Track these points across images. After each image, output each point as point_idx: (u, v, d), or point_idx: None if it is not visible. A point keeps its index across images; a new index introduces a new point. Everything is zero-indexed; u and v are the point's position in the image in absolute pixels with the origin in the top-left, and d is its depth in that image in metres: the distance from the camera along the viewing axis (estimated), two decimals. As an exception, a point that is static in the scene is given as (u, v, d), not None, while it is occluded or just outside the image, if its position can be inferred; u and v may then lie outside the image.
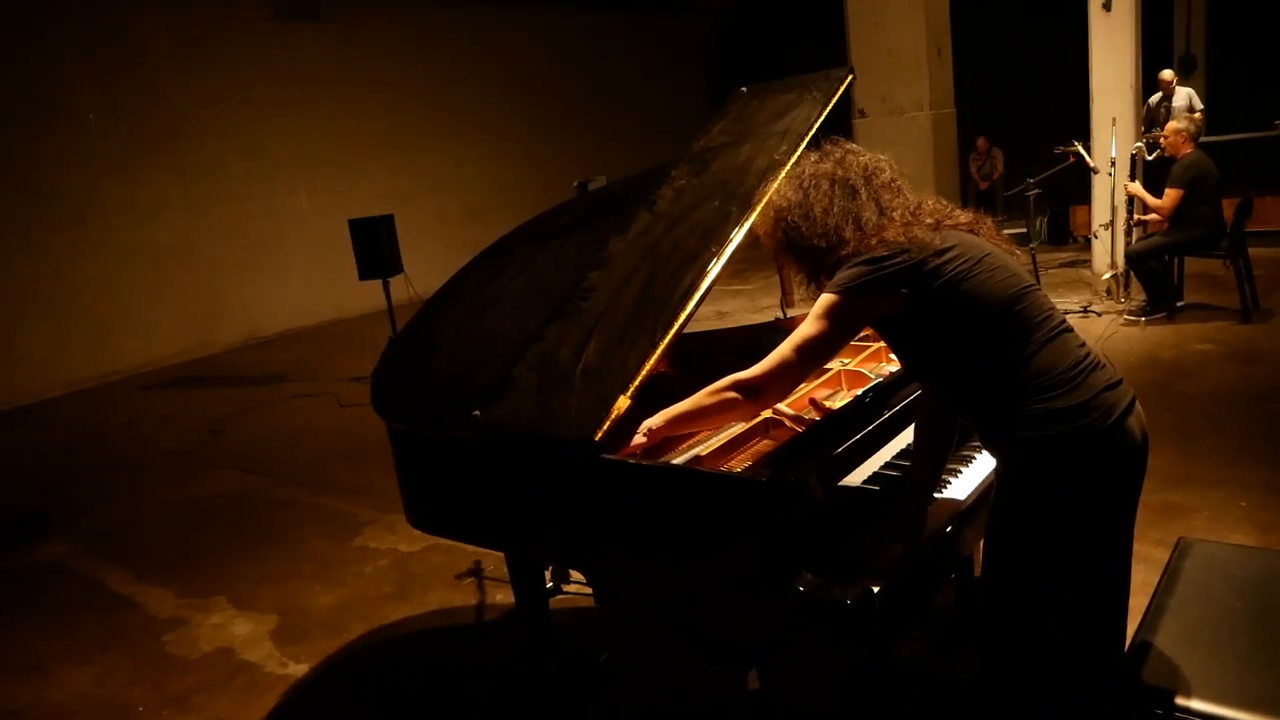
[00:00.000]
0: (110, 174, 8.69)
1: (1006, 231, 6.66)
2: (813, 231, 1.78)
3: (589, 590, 3.27)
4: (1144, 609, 1.98)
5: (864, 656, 1.61)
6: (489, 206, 11.52)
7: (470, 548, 3.86)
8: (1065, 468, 1.62)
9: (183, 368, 8.80)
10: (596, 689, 2.77)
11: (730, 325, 3.80)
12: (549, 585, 3.06)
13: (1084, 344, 1.74)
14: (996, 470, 1.74)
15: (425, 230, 10.44)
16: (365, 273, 7.17)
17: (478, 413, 2.05)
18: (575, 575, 3.36)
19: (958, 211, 1.83)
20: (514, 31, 12.43)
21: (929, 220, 1.75)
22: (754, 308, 7.87)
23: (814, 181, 1.81)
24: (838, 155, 1.85)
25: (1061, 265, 8.39)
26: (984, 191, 11.43)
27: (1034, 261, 7.06)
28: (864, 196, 1.78)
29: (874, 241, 1.72)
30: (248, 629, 3.45)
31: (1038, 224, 9.50)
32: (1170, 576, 2.11)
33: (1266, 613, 1.92)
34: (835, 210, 1.77)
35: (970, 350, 1.68)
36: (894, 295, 1.68)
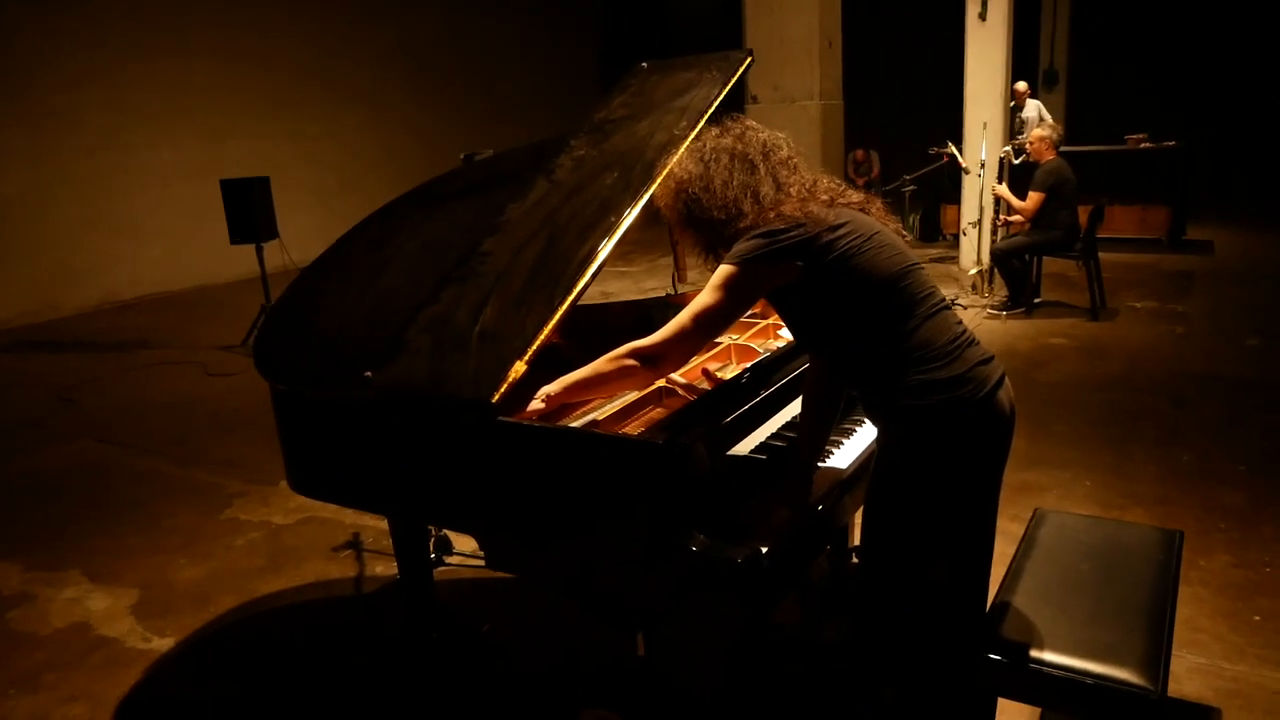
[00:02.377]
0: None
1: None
2: (712, 204, 1.82)
3: (470, 563, 3.27)
4: (1002, 576, 2.13)
5: (748, 618, 1.65)
6: (370, 177, 11.14)
7: (348, 520, 3.79)
8: (943, 435, 1.71)
9: (26, 331, 8.16)
10: (479, 658, 2.76)
11: (620, 301, 3.82)
12: (430, 557, 3.02)
13: (961, 321, 1.84)
14: (878, 440, 1.83)
15: (302, 197, 10.01)
16: (237, 236, 6.85)
17: (369, 374, 2.00)
18: (457, 547, 3.33)
19: (850, 191, 1.91)
20: (399, 1, 12.05)
21: (824, 197, 1.83)
22: (638, 290, 7.92)
23: (715, 155, 1.86)
24: (738, 131, 1.90)
25: (931, 261, 8.81)
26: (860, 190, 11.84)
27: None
28: (762, 172, 1.84)
29: (771, 215, 1.77)
30: (105, 604, 3.27)
31: (911, 221, 9.94)
32: (1027, 543, 2.27)
33: (1110, 574, 2.10)
34: (735, 184, 1.81)
35: (859, 322, 1.76)
36: (789, 268, 1.74)
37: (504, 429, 1.79)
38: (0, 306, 8.31)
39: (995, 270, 6.85)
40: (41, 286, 8.64)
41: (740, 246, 1.76)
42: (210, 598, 3.27)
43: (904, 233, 1.93)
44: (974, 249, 7.26)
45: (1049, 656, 1.82)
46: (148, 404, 5.76)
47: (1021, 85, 9.31)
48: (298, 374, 2.24)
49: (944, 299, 1.84)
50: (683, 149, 2.16)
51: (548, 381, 1.88)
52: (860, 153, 12.00)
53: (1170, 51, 11.85)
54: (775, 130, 1.97)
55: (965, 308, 6.85)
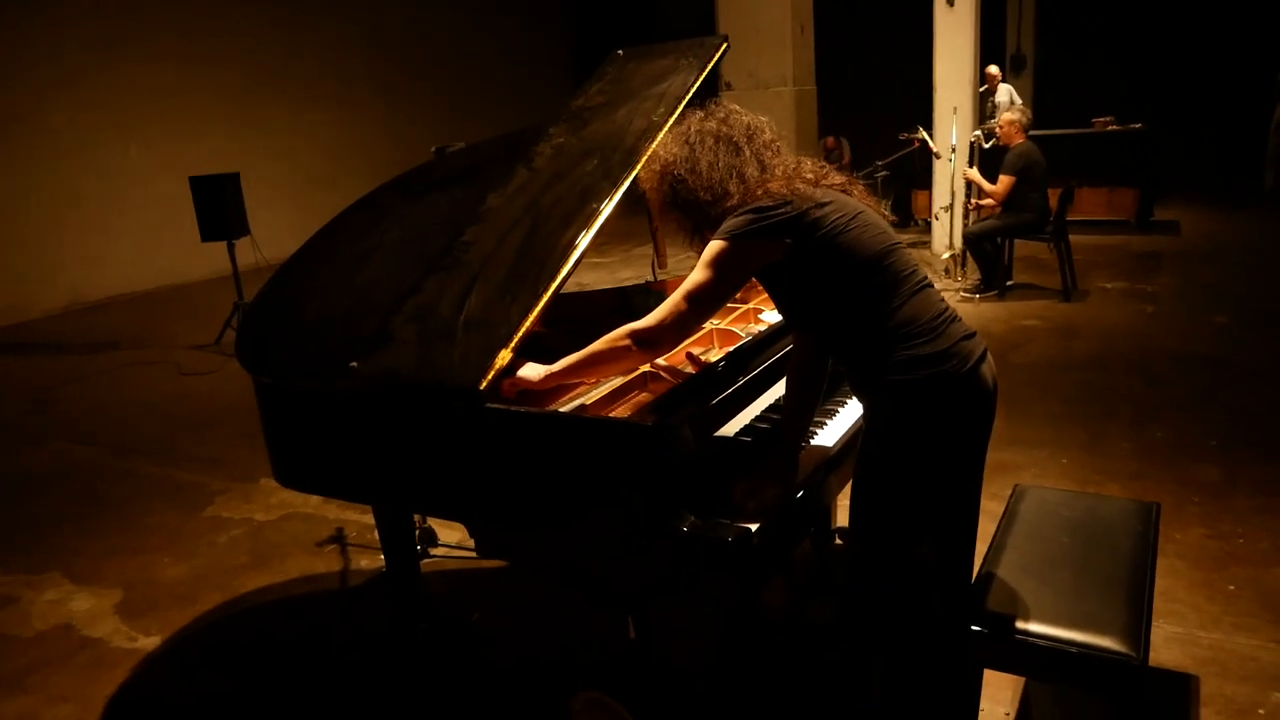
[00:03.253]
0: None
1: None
2: (698, 184, 1.84)
3: (457, 554, 3.27)
4: (985, 551, 2.17)
5: (739, 597, 1.67)
6: (341, 171, 11.04)
7: (331, 515, 3.78)
8: (928, 410, 1.74)
9: (-4, 334, 8.06)
10: (469, 648, 2.77)
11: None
12: (416, 549, 3.02)
13: (943, 298, 1.87)
14: (864, 416, 1.86)
15: (272, 194, 9.90)
16: (208, 234, 6.78)
17: (356, 364, 2.00)
18: (443, 539, 3.33)
19: (833, 173, 1.93)
20: (369, -7, 11.95)
21: (809, 176, 1.85)
22: (614, 280, 7.93)
23: (700, 137, 1.87)
24: (721, 114, 1.92)
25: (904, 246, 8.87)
26: (832, 175, 11.91)
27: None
28: (747, 154, 1.86)
29: (759, 193, 1.79)
30: (89, 604, 3.24)
31: (883, 206, 10.00)
32: (1009, 518, 2.31)
33: (1090, 546, 2.14)
34: (720, 165, 1.83)
35: (845, 300, 1.78)
36: (778, 244, 1.76)
37: (492, 416, 1.80)
38: (-34, 308, 8.19)
39: (967, 254, 6.91)
40: (9, 289, 8.50)
41: (729, 223, 1.78)
42: (195, 596, 3.25)
43: (885, 214, 1.95)
44: (946, 233, 7.33)
45: (1033, 627, 1.85)
46: (122, 404, 5.70)
47: (993, 69, 9.40)
48: (281, 366, 2.24)
49: (926, 277, 1.86)
50: (663, 134, 2.18)
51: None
52: (831, 140, 12.06)
53: (1135, 35, 12.02)
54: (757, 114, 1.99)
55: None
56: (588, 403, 1.99)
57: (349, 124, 11.67)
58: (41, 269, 8.76)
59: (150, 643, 2.96)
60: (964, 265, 7.12)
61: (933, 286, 1.86)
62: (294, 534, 3.67)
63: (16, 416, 5.56)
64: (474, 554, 2.33)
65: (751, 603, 2.40)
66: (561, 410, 1.96)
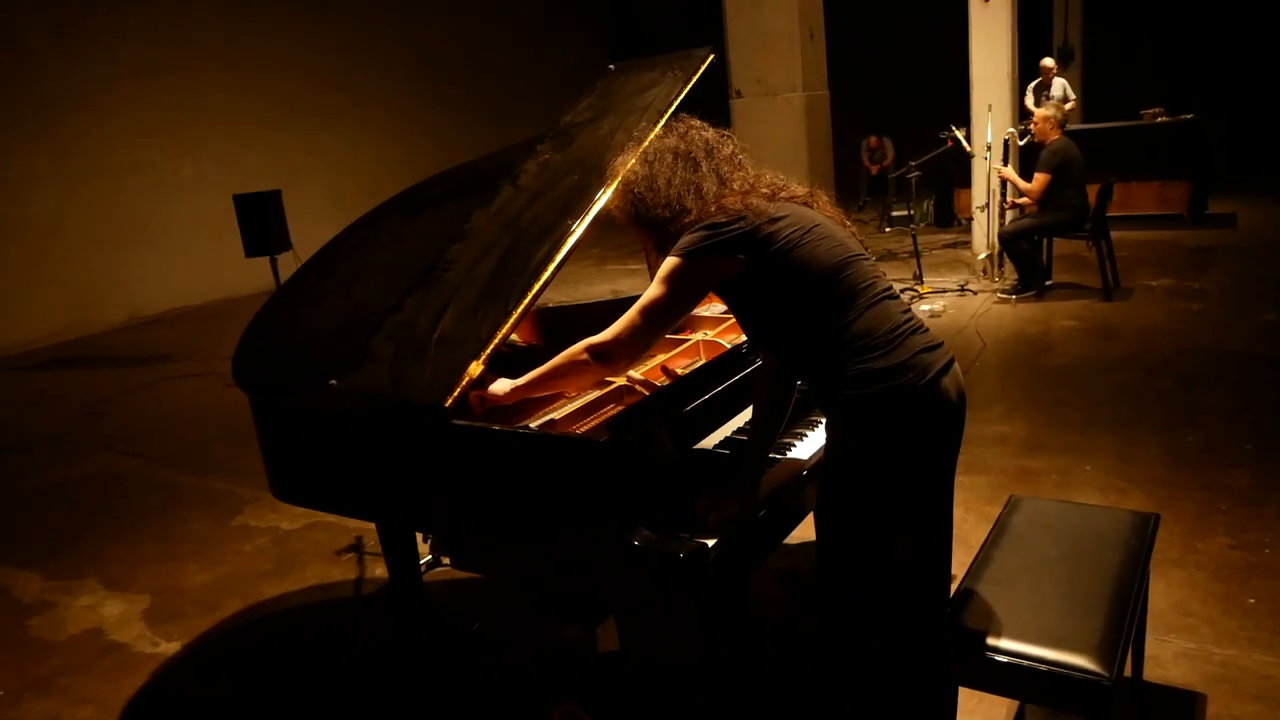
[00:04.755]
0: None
1: (895, 213, 6.93)
2: (656, 202, 1.85)
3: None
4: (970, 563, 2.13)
5: (699, 609, 1.68)
6: (386, 186, 11.17)
7: (352, 524, 3.87)
8: (885, 424, 1.73)
9: (58, 349, 8.41)
10: (469, 657, 2.81)
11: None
12: (428, 559, 3.07)
13: (908, 310, 1.85)
14: (826, 429, 1.85)
15: (318, 208, 10.14)
16: (251, 249, 6.97)
17: (334, 382, 2.06)
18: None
19: (795, 185, 1.93)
20: (414, 10, 12.17)
21: (765, 190, 1.85)
22: (613, 292, 7.93)
23: (658, 155, 1.89)
24: (681, 130, 1.93)
25: (945, 246, 8.74)
26: (875, 176, 11.78)
27: (914, 242, 7.36)
28: (705, 169, 1.86)
29: (713, 209, 1.80)
30: (119, 610, 3.37)
31: (924, 206, 9.87)
32: (998, 530, 2.27)
33: (1078, 559, 2.09)
34: (677, 181, 1.84)
35: (800, 314, 1.77)
36: (732, 260, 1.76)
37: (456, 432, 1.84)
38: (33, 325, 8.56)
39: (1004, 254, 6.77)
40: (71, 305, 8.89)
41: (684, 239, 1.79)
42: (218, 602, 3.36)
43: (848, 224, 1.93)
44: (984, 233, 7.19)
45: (1005, 644, 1.82)
46: (168, 416, 5.91)
47: (1048, 61, 9.19)
48: (270, 383, 2.31)
49: (888, 289, 1.84)
50: (643, 149, 2.20)
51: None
52: (874, 139, 11.94)
53: (1187, 22, 11.62)
54: (756, 129, 2.03)
55: (975, 293, 6.79)
56: (557, 417, 2.01)
57: (394, 139, 11.91)
58: (102, 285, 9.14)
59: (171, 647, 3.07)
60: (1001, 265, 6.98)
61: (895, 298, 1.84)
62: (316, 542, 3.77)
63: (69, 428, 5.81)
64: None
65: (738, 611, 2.39)
66: (530, 425, 1.99)
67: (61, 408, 6.33)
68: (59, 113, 8.76)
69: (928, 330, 1.84)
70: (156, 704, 2.79)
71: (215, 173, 9.87)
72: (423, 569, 2.88)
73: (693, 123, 1.95)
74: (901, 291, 6.78)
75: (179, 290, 9.72)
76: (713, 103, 2.56)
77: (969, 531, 3.18)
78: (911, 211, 7.62)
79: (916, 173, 7.23)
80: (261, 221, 6.88)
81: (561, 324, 2.87)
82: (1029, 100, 8.92)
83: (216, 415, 5.78)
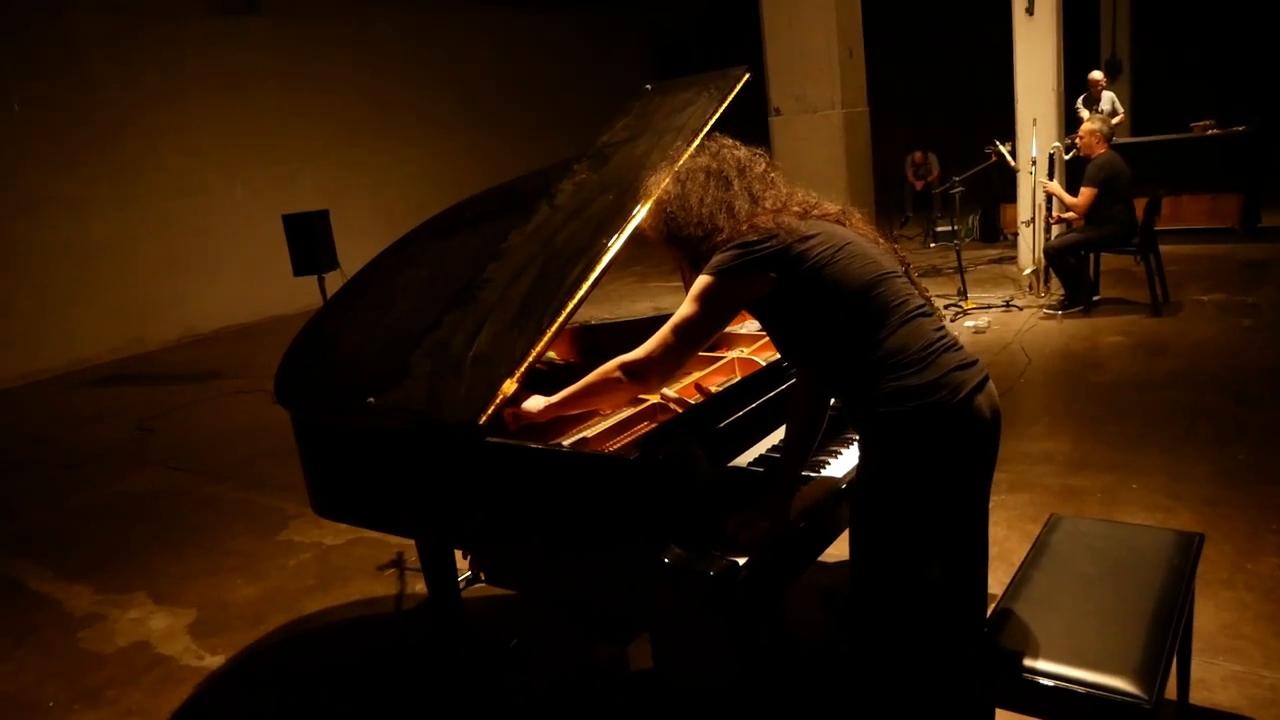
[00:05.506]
0: (38, 168, 8.51)
1: (940, 229, 6.90)
2: (688, 220, 1.87)
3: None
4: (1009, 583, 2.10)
5: (730, 627, 1.68)
6: (432, 205, 11.30)
7: (394, 539, 3.91)
8: (918, 442, 1.72)
9: (114, 366, 8.66)
10: (507, 672, 2.83)
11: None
12: (467, 575, 3.11)
13: (942, 327, 1.84)
14: (859, 448, 1.84)
15: (366, 228, 10.33)
16: (300, 269, 7.11)
17: (372, 400, 2.10)
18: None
19: (827, 204, 1.93)
20: (458, 30, 12.38)
21: (797, 209, 1.85)
22: (655, 308, 7.96)
23: (690, 174, 1.91)
24: (714, 149, 1.95)
25: (990, 262, 8.63)
26: (920, 192, 11.69)
27: (959, 258, 7.28)
28: (737, 187, 1.88)
29: (744, 228, 1.81)
30: (166, 623, 3.45)
31: (970, 221, 9.76)
32: (1038, 550, 2.24)
33: (1117, 579, 2.05)
34: (709, 200, 1.86)
35: (833, 332, 1.77)
36: (764, 278, 1.77)
37: (490, 449, 1.86)
38: (91, 342, 8.83)
39: (1050, 270, 6.67)
40: (128, 323, 9.15)
41: (716, 258, 1.81)
42: (262, 616, 3.42)
43: (882, 242, 1.93)
44: (1030, 248, 7.09)
45: (1042, 665, 1.79)
46: (217, 432, 6.05)
47: (1097, 75, 9.07)
48: (311, 400, 2.36)
49: (921, 306, 1.83)
50: (676, 169, 2.22)
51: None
52: (919, 154, 11.85)
53: (1237, 34, 11.38)
54: (795, 146, 2.04)
55: (1020, 309, 6.69)
56: (589, 435, 2.03)
57: (440, 159, 12.09)
58: (158, 304, 9.40)
59: (216, 661, 3.14)
60: (1047, 281, 6.88)
61: (929, 315, 1.83)
62: (358, 558, 3.83)
63: (122, 444, 5.97)
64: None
65: (774, 630, 2.38)
66: (563, 443, 2.00)
67: (115, 423, 6.51)
68: (118, 138, 9.06)
69: (962, 348, 1.83)
70: (201, 717, 2.85)
71: (266, 193, 10.12)
72: (462, 585, 2.91)
73: (725, 141, 1.97)
74: (945, 307, 6.72)
75: (230, 309, 9.96)
76: (754, 120, 2.57)
77: (1011, 550, 3.13)
78: (956, 227, 7.54)
79: (960, 188, 7.17)
80: (309, 241, 7.02)
81: (600, 341, 2.89)
82: (1083, 113, 8.80)
83: (264, 431, 5.90)
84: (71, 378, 8.33)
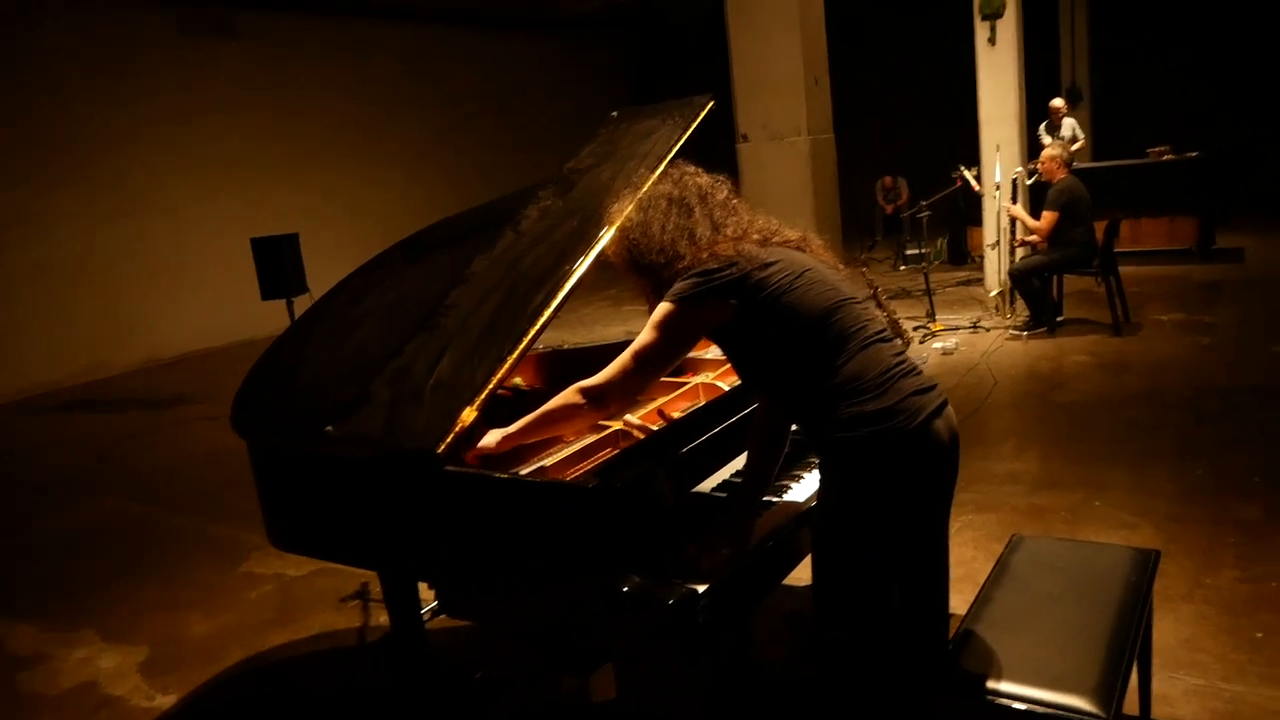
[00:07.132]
0: (1, 187, 8.35)
1: (909, 251, 7.01)
2: (650, 247, 1.87)
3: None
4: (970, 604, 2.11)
5: (690, 654, 1.67)
6: (406, 228, 11.10)
7: (359, 570, 3.85)
8: (876, 467, 1.72)
9: (76, 390, 8.48)
10: (474, 704, 2.78)
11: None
12: (432, 606, 3.05)
13: (900, 353, 1.85)
14: (820, 472, 1.84)
15: (339, 252, 10.17)
16: (268, 293, 7.03)
17: (330, 428, 2.07)
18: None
19: (787, 230, 1.94)
20: (435, 53, 12.39)
21: (757, 236, 1.86)
22: (627, 334, 7.95)
23: (652, 201, 1.91)
24: (676, 176, 1.96)
25: (958, 284, 8.73)
26: (890, 216, 11.83)
27: (927, 280, 7.36)
28: (699, 214, 1.88)
29: (705, 255, 1.81)
30: (115, 662, 3.34)
31: (938, 244, 9.89)
32: (999, 570, 2.25)
33: (1077, 598, 2.07)
34: (670, 227, 1.86)
35: (791, 358, 1.78)
36: (724, 306, 1.78)
37: (448, 478, 1.84)
38: (51, 367, 8.63)
39: (1015, 291, 6.77)
40: (90, 347, 8.98)
41: (677, 286, 1.81)
42: (219, 653, 3.32)
43: (841, 268, 1.95)
44: (995, 271, 7.19)
45: (1005, 686, 1.79)
46: (179, 460, 5.93)
47: (1057, 102, 9.25)
48: (267, 428, 2.33)
49: (880, 331, 1.84)
50: (639, 196, 2.22)
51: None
52: (889, 179, 12.00)
53: (1192, 64, 11.69)
54: (762, 172, 2.04)
55: (988, 330, 6.77)
56: (548, 464, 2.01)
57: (416, 184, 12.04)
58: (122, 327, 9.24)
59: (167, 701, 3.03)
60: (1013, 302, 6.97)
61: (887, 341, 1.84)
62: (320, 590, 3.75)
63: (79, 472, 5.84)
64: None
65: (740, 656, 2.36)
66: (523, 472, 1.99)
67: (74, 451, 6.37)
68: (88, 156, 8.94)
69: (920, 373, 1.84)
70: (148, 757, 2.77)
71: (234, 216, 9.99)
72: (426, 616, 2.87)
73: (688, 169, 1.98)
74: (915, 329, 6.79)
75: (196, 332, 9.81)
76: (722, 147, 2.58)
77: (977, 570, 3.13)
78: (925, 250, 7.63)
79: (928, 212, 7.27)
80: (279, 264, 6.95)
81: (570, 367, 2.87)
82: (1044, 139, 8.96)
83: (226, 459, 5.78)
84: (30, 403, 8.15)
